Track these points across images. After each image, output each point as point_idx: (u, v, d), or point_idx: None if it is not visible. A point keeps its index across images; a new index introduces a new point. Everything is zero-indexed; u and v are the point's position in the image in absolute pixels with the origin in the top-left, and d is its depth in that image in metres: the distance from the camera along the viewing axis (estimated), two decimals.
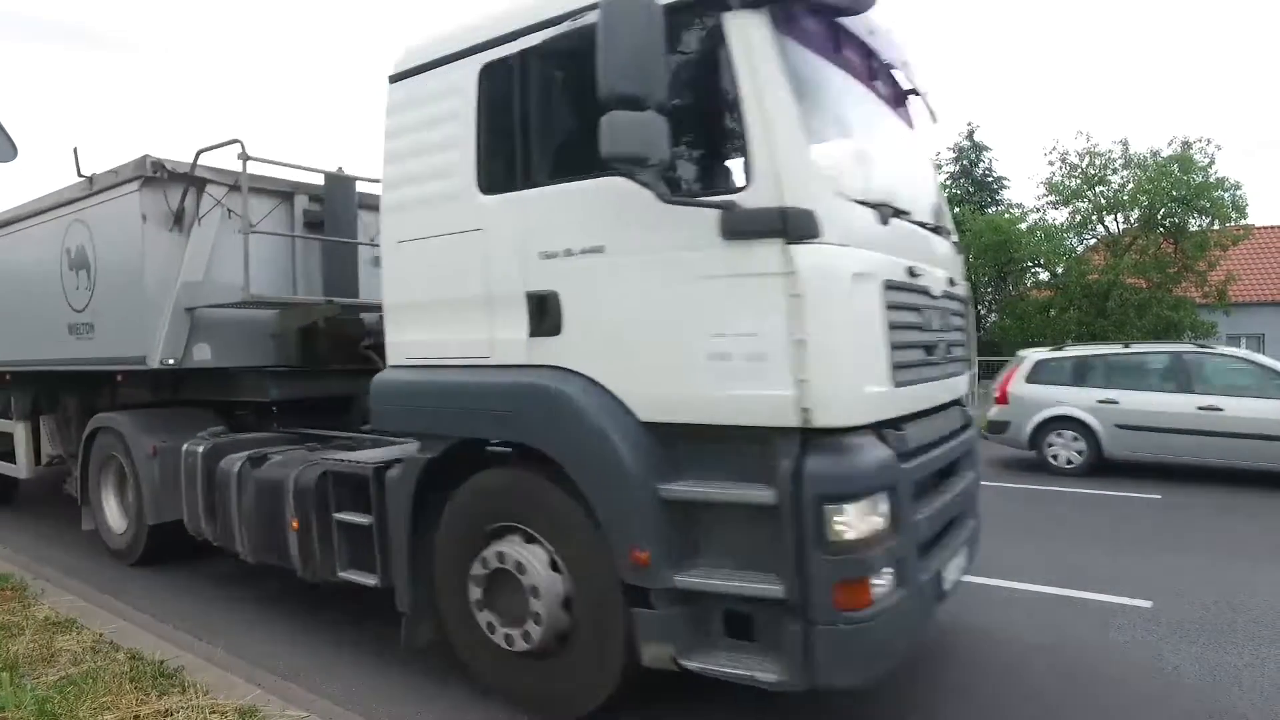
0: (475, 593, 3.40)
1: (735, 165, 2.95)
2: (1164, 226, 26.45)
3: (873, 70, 3.59)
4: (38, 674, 3.71)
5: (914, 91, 3.99)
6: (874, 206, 3.08)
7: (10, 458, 7.15)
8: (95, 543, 6.65)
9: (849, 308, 2.79)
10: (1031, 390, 10.03)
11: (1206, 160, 25.70)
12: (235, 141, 4.94)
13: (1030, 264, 29.45)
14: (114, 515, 5.98)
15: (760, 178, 2.78)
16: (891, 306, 2.98)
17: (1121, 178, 26.91)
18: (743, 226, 2.78)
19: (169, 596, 5.15)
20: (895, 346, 2.98)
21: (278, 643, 4.32)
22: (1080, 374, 9.88)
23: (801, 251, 2.71)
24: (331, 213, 5.60)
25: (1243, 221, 26.33)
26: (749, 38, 2.81)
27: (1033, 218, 29.40)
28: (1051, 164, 27.75)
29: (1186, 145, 26.03)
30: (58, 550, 6.35)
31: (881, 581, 2.77)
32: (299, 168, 5.61)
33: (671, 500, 2.92)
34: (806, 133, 2.82)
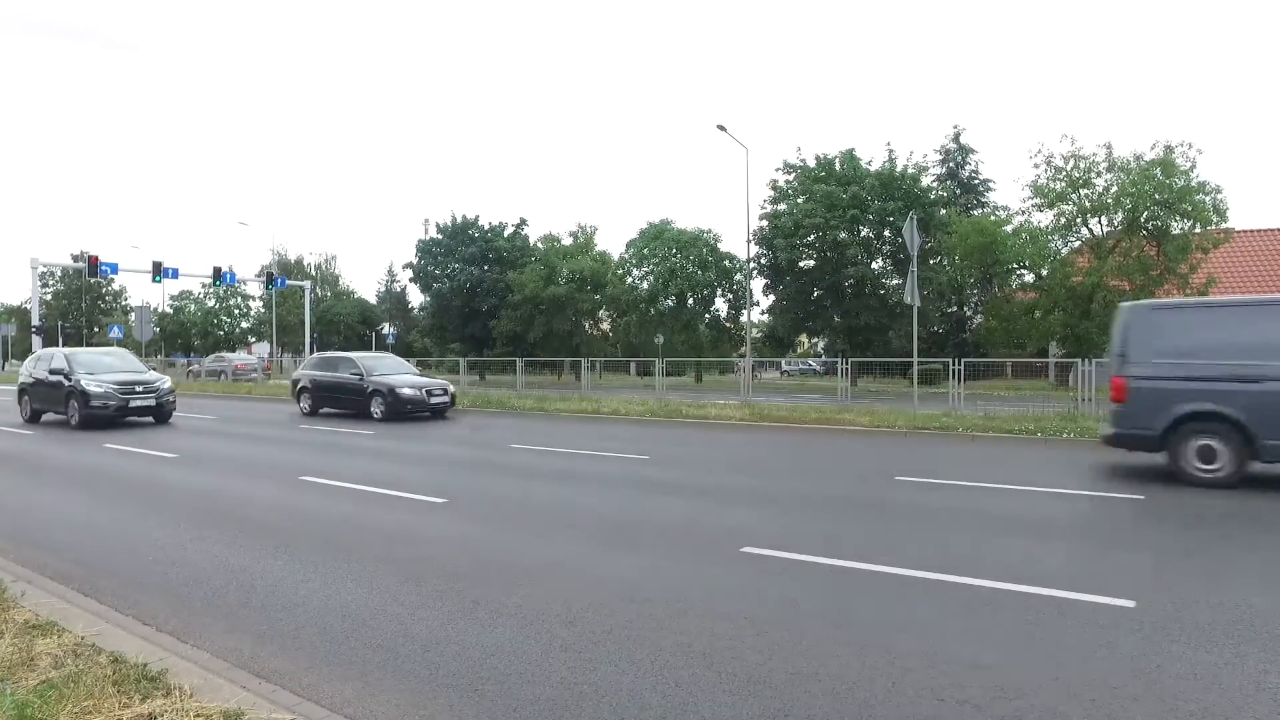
0: None
1: None
2: (1147, 229, 26.76)
3: None
4: (17, 678, 3.66)
5: None
6: None
7: None
8: (80, 544, 6.59)
9: None
10: None
11: (1188, 164, 26.01)
12: None
13: (1015, 266, 29.72)
14: None
15: None
16: None
17: (1105, 181, 27.18)
18: None
19: (151, 598, 5.10)
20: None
21: (263, 644, 4.30)
22: None
23: None
24: None
25: (1224, 225, 26.68)
26: None
27: (1018, 220, 29.68)
28: (1036, 167, 28.03)
29: (1169, 149, 26.34)
30: (41, 553, 6.28)
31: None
32: None
33: None
34: None
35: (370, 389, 18.65)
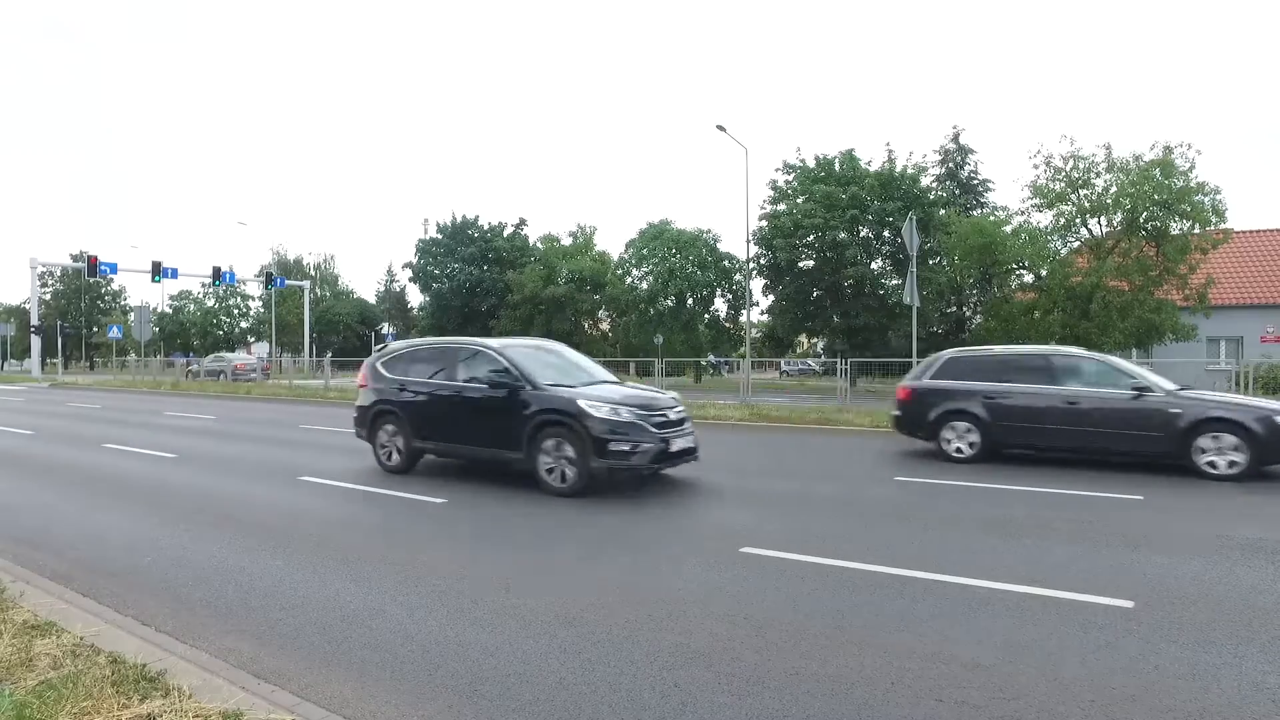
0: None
1: None
2: (1146, 230, 26.73)
3: None
4: (16, 679, 3.66)
5: None
6: None
7: None
8: (80, 544, 6.58)
9: None
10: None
11: (1187, 165, 25.99)
12: None
13: (1015, 266, 29.72)
14: None
15: None
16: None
17: (1104, 181, 27.17)
18: None
19: (151, 599, 5.10)
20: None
21: (263, 645, 4.30)
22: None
23: None
24: None
25: (1222, 225, 26.67)
26: None
27: (1017, 220, 29.65)
28: (1036, 167, 28.01)
29: (1168, 150, 26.33)
30: (41, 553, 6.27)
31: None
32: None
33: None
34: None
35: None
